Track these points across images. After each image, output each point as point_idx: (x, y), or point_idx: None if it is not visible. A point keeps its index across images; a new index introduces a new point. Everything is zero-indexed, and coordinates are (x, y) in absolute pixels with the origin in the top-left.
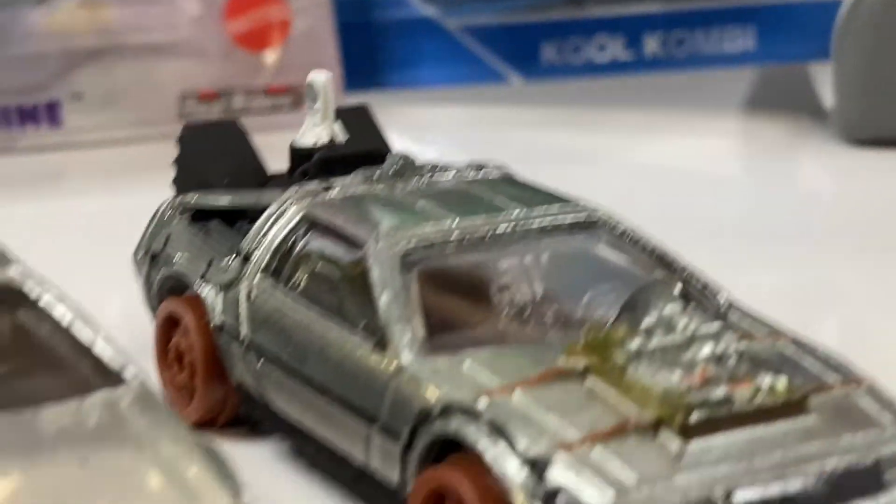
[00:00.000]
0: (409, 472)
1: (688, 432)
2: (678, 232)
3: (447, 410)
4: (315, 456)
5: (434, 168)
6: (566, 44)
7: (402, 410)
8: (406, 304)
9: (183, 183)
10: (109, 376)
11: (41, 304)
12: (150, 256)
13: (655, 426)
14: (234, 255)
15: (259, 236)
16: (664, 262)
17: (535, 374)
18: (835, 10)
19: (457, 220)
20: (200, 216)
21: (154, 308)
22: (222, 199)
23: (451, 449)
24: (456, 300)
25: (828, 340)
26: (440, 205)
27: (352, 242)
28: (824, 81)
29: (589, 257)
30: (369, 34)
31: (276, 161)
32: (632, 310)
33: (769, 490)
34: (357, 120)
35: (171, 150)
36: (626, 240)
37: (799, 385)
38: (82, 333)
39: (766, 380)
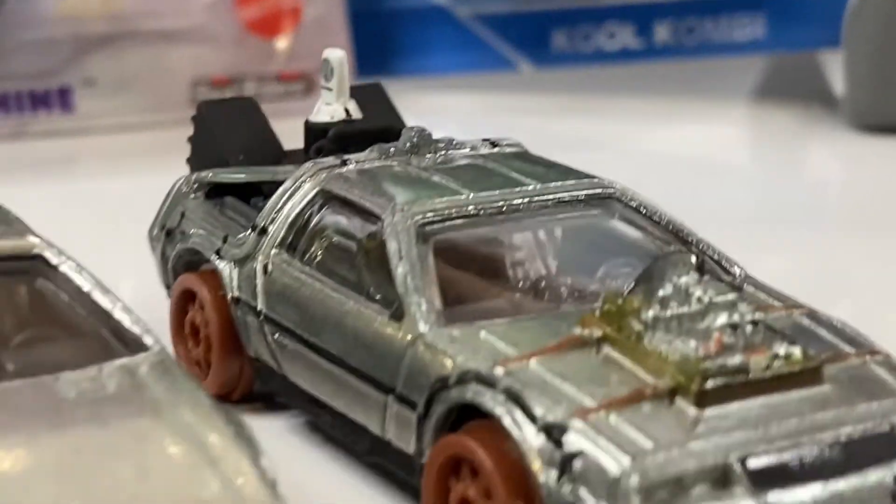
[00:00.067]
0: (425, 441)
1: (703, 399)
2: (688, 218)
3: (464, 379)
4: (331, 427)
5: (449, 143)
6: (576, 31)
7: (419, 379)
8: (422, 275)
9: (198, 160)
10: (129, 343)
11: (61, 272)
12: (166, 233)
13: (671, 394)
14: (250, 229)
15: (275, 211)
16: (679, 236)
17: (551, 343)
18: None
19: (472, 193)
20: (215, 192)
21: (169, 284)
22: (238, 175)
23: (467, 418)
24: (471, 273)
25: None
26: (456, 179)
27: (368, 216)
28: (834, 69)
29: (604, 231)
30: (380, 21)
31: (289, 145)
32: (647, 281)
33: (784, 457)
34: (371, 98)
35: (184, 136)
36: (641, 214)
37: (814, 354)
38: (102, 301)
39: (781, 348)
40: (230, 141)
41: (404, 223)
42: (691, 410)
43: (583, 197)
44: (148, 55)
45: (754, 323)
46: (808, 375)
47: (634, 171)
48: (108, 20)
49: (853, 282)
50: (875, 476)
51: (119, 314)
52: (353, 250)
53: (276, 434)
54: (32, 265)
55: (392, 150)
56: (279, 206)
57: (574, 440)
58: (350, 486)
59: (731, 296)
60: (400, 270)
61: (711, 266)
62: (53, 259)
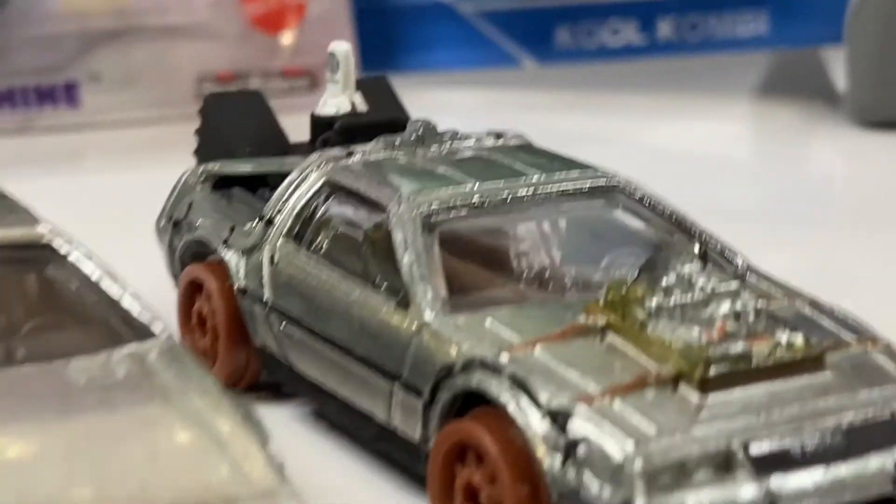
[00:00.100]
0: (430, 427)
1: (707, 386)
2: (690, 214)
3: (469, 366)
4: (337, 415)
5: (454, 135)
6: (580, 28)
7: (425, 367)
8: (428, 264)
9: (205, 152)
10: (137, 330)
11: (70, 260)
12: (173, 224)
13: (675, 380)
14: (257, 220)
15: (281, 201)
16: (682, 227)
17: (555, 331)
18: None
19: (477, 184)
20: (222, 184)
21: (177, 275)
22: (245, 167)
23: (472, 405)
24: (476, 263)
25: None
26: (461, 170)
27: (374, 206)
28: (837, 65)
29: (607, 222)
30: (384, 17)
31: (294, 140)
32: (651, 270)
33: (786, 442)
34: (377, 91)
35: (189, 132)
36: (644, 204)
37: (816, 342)
38: (111, 289)
39: (784, 336)
40: (237, 133)
41: (410, 213)
42: (694, 397)
43: (587, 188)
44: (153, 51)
45: (757, 311)
46: (810, 363)
47: (638, 167)
48: (113, 16)
49: (855, 277)
50: (876, 462)
51: (128, 302)
52: (359, 240)
53: (282, 423)
54: (42, 254)
55: (398, 141)
56: (286, 196)
57: (578, 426)
58: (355, 473)
59: (733, 285)
60: (406, 259)
61: (714, 256)
62: (63, 248)
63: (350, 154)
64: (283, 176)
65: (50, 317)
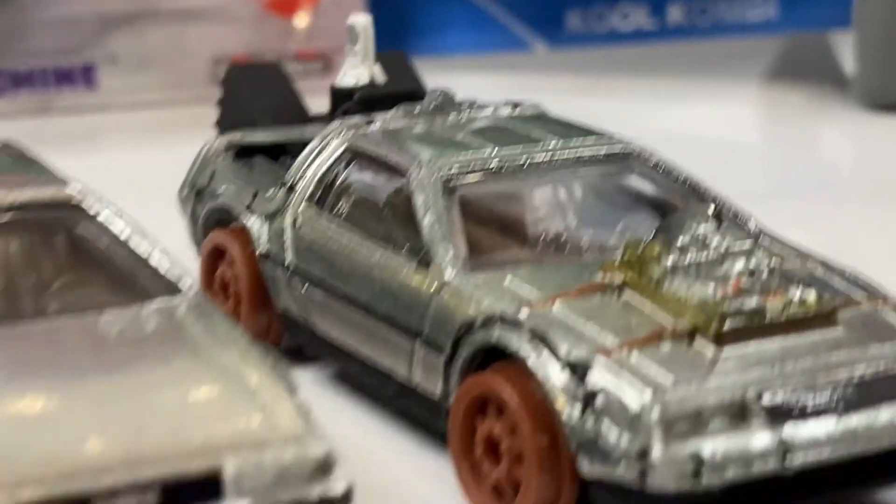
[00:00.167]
0: (451, 383)
1: (722, 340)
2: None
3: (489, 321)
4: (358, 375)
5: (472, 104)
6: (590, 12)
7: (445, 323)
8: (448, 224)
9: (227, 123)
10: (166, 286)
11: (100, 219)
12: (196, 192)
13: (691, 334)
14: (279, 186)
15: (303, 168)
16: (697, 192)
17: (573, 288)
18: None
19: (495, 149)
20: (244, 153)
21: (199, 242)
22: (267, 136)
23: (492, 361)
24: (495, 227)
25: None
26: (479, 137)
27: (395, 171)
28: (845, 49)
29: (623, 187)
30: (397, 2)
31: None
32: (666, 231)
33: (799, 393)
34: (395, 64)
35: (204, 113)
36: (659, 171)
37: (828, 299)
38: (140, 246)
39: (796, 293)
40: (258, 104)
41: (430, 177)
42: (710, 350)
43: (603, 154)
44: (169, 33)
45: (770, 269)
46: (822, 319)
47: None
48: None
49: (865, 258)
50: (887, 414)
51: (157, 258)
52: (380, 204)
53: (303, 386)
54: (72, 213)
55: (417, 110)
56: (307, 163)
57: (597, 377)
58: (376, 433)
59: (747, 244)
60: (426, 221)
61: (728, 219)
62: (92, 207)
63: (370, 122)
64: (304, 144)
65: (80, 274)
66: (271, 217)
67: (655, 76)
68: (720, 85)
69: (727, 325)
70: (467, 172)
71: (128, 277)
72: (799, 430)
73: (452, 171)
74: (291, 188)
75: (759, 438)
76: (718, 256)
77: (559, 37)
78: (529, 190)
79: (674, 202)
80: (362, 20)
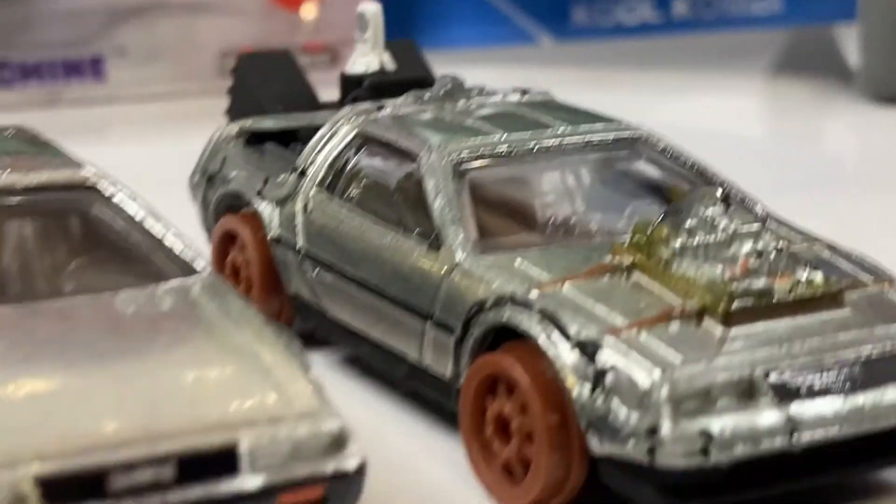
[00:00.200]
0: (461, 364)
1: (730, 319)
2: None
3: (500, 302)
4: (369, 357)
5: (481, 91)
6: (596, 5)
7: (456, 305)
8: (459, 207)
9: (237, 110)
10: (181, 267)
11: (115, 200)
12: (207, 178)
13: (699, 314)
14: (290, 171)
15: (314, 153)
16: (704, 177)
17: (583, 270)
18: None
19: (505, 135)
20: (254, 140)
21: (210, 228)
22: (277, 122)
23: (502, 342)
24: (504, 210)
25: None
26: (488, 122)
27: (405, 156)
28: (850, 42)
29: (631, 172)
30: None
31: None
32: (675, 214)
33: (807, 372)
34: (404, 52)
35: (212, 105)
36: (667, 156)
37: (835, 280)
38: (154, 227)
39: (804, 274)
40: (268, 91)
41: (440, 161)
42: (718, 329)
43: (611, 139)
44: (177, 26)
45: (778, 251)
46: (829, 300)
47: None
48: None
49: (869, 250)
50: (893, 393)
51: (171, 240)
52: (391, 188)
53: (315, 370)
54: (87, 195)
55: (426, 96)
56: (318, 148)
57: (607, 356)
58: (387, 415)
59: (755, 226)
60: (437, 204)
61: (735, 203)
62: (108, 189)
63: (381, 108)
64: (315, 131)
65: (96, 255)
66: (282, 202)
67: (660, 69)
68: (725, 78)
69: (735, 306)
70: (477, 157)
71: (143, 258)
72: (806, 409)
73: (462, 155)
74: (302, 173)
75: (767, 416)
76: (726, 238)
77: (565, 30)
78: (538, 174)
79: (682, 187)
80: (372, 8)
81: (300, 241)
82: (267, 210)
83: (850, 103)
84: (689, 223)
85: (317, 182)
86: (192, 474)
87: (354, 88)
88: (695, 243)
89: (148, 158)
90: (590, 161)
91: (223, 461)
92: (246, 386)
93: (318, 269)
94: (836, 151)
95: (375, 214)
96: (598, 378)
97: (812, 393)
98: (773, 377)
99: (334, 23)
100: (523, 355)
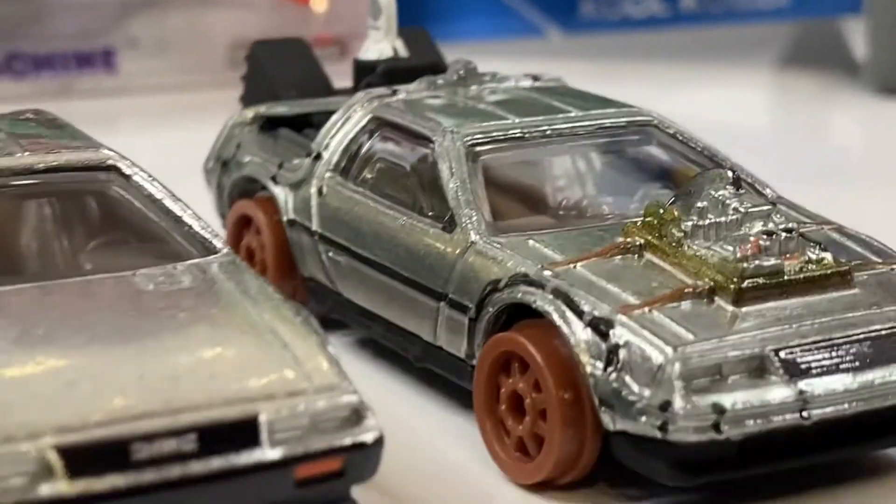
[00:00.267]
0: (475, 343)
1: (741, 297)
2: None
3: (514, 281)
4: (383, 338)
5: (494, 76)
6: None
7: (470, 285)
8: (473, 189)
9: (251, 97)
10: (199, 247)
11: (134, 181)
12: (222, 164)
13: (710, 292)
14: (305, 156)
15: (328, 137)
16: (715, 161)
17: (595, 250)
18: None
19: (517, 119)
20: (268, 126)
21: (224, 213)
22: (291, 108)
23: (515, 322)
24: (518, 192)
25: None
26: (501, 107)
27: (419, 139)
28: (856, 35)
29: (643, 156)
30: None
31: None
32: (686, 196)
33: (817, 350)
34: (416, 40)
35: (222, 97)
36: (678, 140)
37: (844, 260)
38: (173, 207)
39: (814, 254)
40: (282, 78)
41: (454, 144)
42: (729, 307)
43: (622, 123)
44: (188, 18)
45: (788, 231)
46: (838, 279)
47: None
48: None
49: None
50: None
51: (190, 219)
52: (405, 171)
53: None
54: (107, 175)
55: (440, 81)
56: (332, 133)
57: (619, 333)
58: (400, 395)
59: (766, 207)
60: (451, 186)
61: (746, 185)
62: (127, 169)
63: (394, 93)
64: (328, 116)
65: (116, 235)
66: (297, 186)
67: (668, 62)
68: (732, 71)
69: (746, 284)
70: (490, 140)
71: (162, 237)
72: (816, 385)
73: (476, 138)
74: (317, 157)
75: (778, 392)
76: (737, 218)
77: (573, 23)
78: (551, 158)
79: (692, 170)
80: None
81: (315, 224)
82: (282, 194)
83: (856, 95)
84: (700, 204)
85: (331, 166)
86: (213, 446)
87: (367, 75)
88: (706, 224)
89: (159, 149)
90: (601, 145)
91: (243, 433)
92: (265, 361)
93: (332, 250)
94: (843, 143)
95: (389, 197)
96: (611, 355)
97: (822, 369)
98: (783, 354)
99: (344, 15)
100: (537, 333)
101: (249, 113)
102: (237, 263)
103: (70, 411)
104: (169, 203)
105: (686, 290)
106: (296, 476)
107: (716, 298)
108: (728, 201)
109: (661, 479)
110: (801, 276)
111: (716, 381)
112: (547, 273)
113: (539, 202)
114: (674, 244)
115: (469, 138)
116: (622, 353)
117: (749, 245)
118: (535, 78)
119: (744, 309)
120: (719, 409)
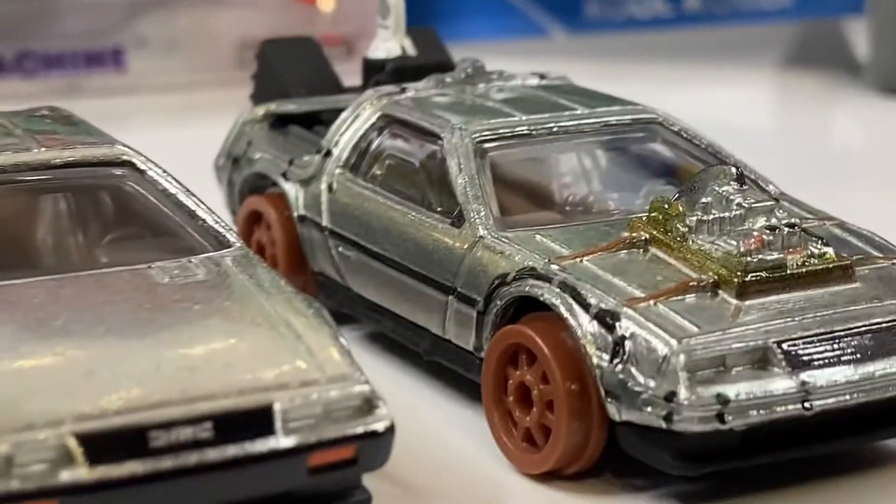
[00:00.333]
0: (483, 335)
1: (744, 291)
2: None
3: (521, 275)
4: (393, 332)
5: (501, 74)
6: None
7: (478, 278)
8: (481, 185)
9: (262, 95)
10: (212, 241)
11: (148, 176)
12: (233, 160)
13: (714, 286)
14: (315, 152)
15: (338, 134)
16: (718, 157)
17: (601, 244)
18: None
19: (524, 116)
20: (279, 124)
21: (235, 209)
22: (301, 105)
23: (523, 315)
24: (525, 188)
25: None
26: (509, 104)
27: (428, 136)
28: (858, 35)
29: (647, 153)
30: None
31: None
32: (690, 192)
33: (819, 342)
34: (424, 39)
35: (230, 96)
36: (682, 137)
37: (846, 255)
38: (187, 202)
39: (816, 249)
40: (292, 77)
41: (462, 141)
42: (733, 301)
43: (628, 121)
44: (197, 17)
45: (791, 226)
46: (840, 273)
47: None
48: None
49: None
50: None
51: (203, 214)
52: (414, 168)
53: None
54: (122, 171)
55: (448, 79)
56: (342, 130)
57: (625, 326)
58: (408, 388)
59: (769, 202)
60: (460, 181)
61: (749, 182)
62: (141, 165)
63: (403, 90)
64: (338, 113)
65: (131, 229)
66: (307, 182)
67: (672, 62)
68: (736, 71)
69: (749, 278)
70: (498, 137)
71: (176, 231)
72: (818, 376)
73: (484, 135)
74: (327, 154)
75: (780, 383)
76: (741, 214)
77: (577, 23)
78: (557, 154)
79: (697, 167)
80: None
81: (325, 220)
82: (292, 190)
83: (858, 95)
84: (704, 200)
85: (341, 162)
86: (229, 434)
87: (376, 73)
88: (710, 219)
89: (168, 147)
90: (607, 142)
91: (258, 422)
92: (279, 352)
93: (341, 245)
94: (845, 142)
95: (398, 193)
96: (617, 347)
97: (823, 362)
98: (786, 346)
99: (351, 15)
100: (544, 326)
101: (260, 110)
102: (250, 257)
103: (89, 400)
104: (183, 198)
105: (690, 284)
106: (309, 464)
107: (720, 292)
108: (732, 197)
109: (666, 468)
110: (804, 270)
111: (720, 373)
112: (554, 267)
113: (546, 198)
114: (678, 239)
115: (477, 135)
116: (628, 345)
117: (752, 240)
118: (542, 76)
119: (747, 302)
120: (723, 400)
